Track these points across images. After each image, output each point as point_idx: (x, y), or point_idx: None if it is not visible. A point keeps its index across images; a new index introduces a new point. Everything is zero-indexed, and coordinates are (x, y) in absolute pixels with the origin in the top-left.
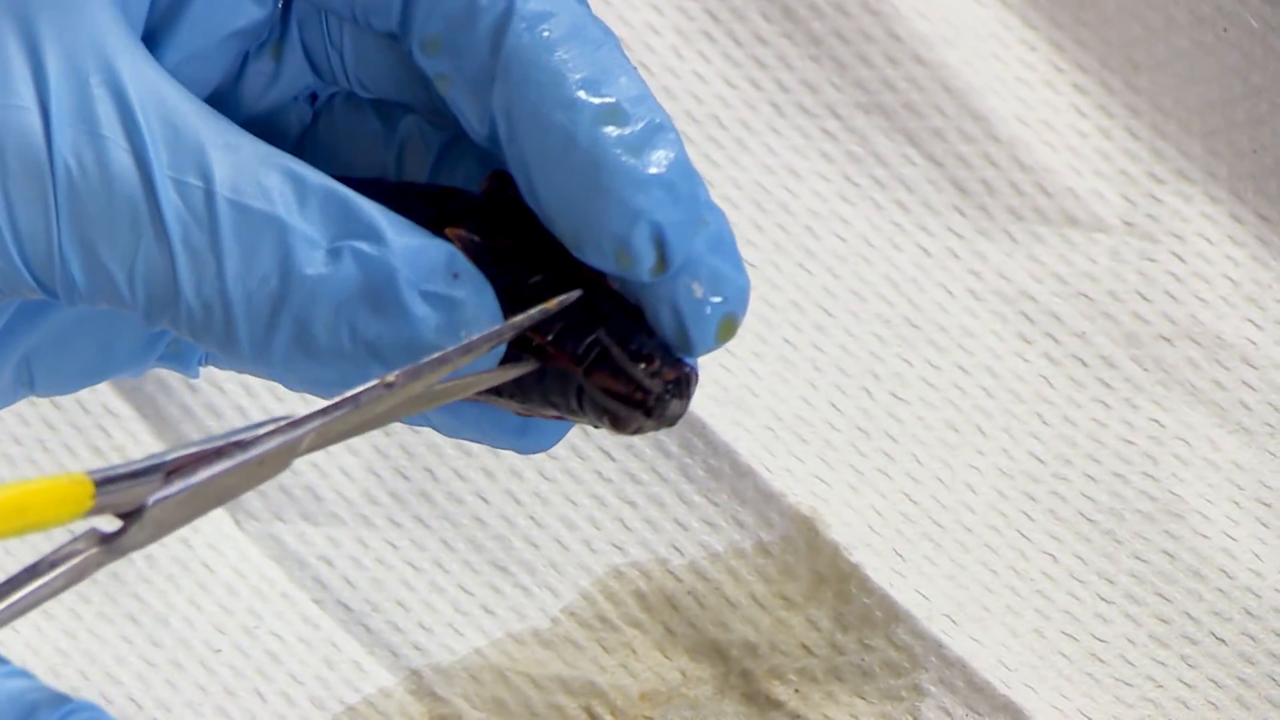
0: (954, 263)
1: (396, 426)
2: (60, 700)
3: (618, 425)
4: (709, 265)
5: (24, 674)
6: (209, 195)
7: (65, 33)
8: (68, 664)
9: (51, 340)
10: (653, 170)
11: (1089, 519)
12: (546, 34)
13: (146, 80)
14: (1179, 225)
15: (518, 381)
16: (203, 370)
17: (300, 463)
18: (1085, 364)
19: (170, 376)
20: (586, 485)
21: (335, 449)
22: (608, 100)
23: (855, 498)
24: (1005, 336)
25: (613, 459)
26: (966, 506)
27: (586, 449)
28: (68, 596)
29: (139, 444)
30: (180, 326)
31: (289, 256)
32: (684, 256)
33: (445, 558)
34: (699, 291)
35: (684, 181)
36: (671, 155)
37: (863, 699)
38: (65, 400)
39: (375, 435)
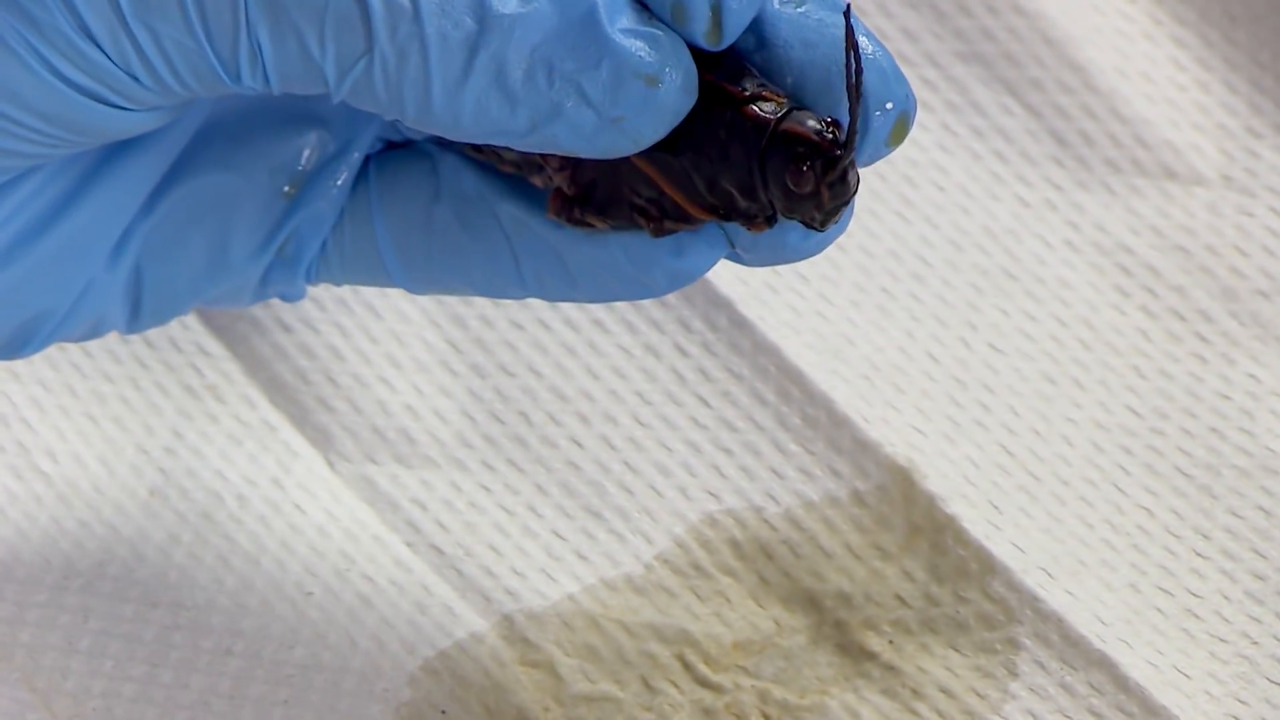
0: (1052, 214)
1: (491, 368)
2: None
3: (799, 180)
4: (883, 84)
5: None
6: None
7: None
8: (159, 604)
9: (163, 238)
10: None
11: (1185, 474)
12: None
13: None
14: (1276, 180)
15: (699, 142)
16: (297, 308)
17: (394, 404)
18: (1182, 318)
19: (264, 316)
20: (681, 432)
21: (429, 391)
22: None
23: (951, 448)
24: (1102, 289)
25: (709, 405)
26: (1063, 459)
27: (682, 395)
28: (158, 535)
29: (232, 383)
30: (372, 82)
31: None
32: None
33: (539, 502)
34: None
35: None
36: None
37: (957, 651)
38: (158, 339)
39: (470, 379)
